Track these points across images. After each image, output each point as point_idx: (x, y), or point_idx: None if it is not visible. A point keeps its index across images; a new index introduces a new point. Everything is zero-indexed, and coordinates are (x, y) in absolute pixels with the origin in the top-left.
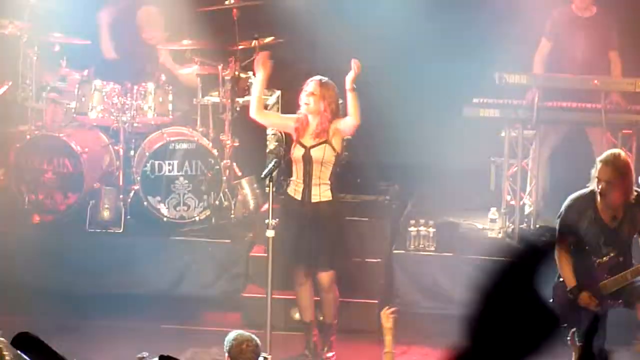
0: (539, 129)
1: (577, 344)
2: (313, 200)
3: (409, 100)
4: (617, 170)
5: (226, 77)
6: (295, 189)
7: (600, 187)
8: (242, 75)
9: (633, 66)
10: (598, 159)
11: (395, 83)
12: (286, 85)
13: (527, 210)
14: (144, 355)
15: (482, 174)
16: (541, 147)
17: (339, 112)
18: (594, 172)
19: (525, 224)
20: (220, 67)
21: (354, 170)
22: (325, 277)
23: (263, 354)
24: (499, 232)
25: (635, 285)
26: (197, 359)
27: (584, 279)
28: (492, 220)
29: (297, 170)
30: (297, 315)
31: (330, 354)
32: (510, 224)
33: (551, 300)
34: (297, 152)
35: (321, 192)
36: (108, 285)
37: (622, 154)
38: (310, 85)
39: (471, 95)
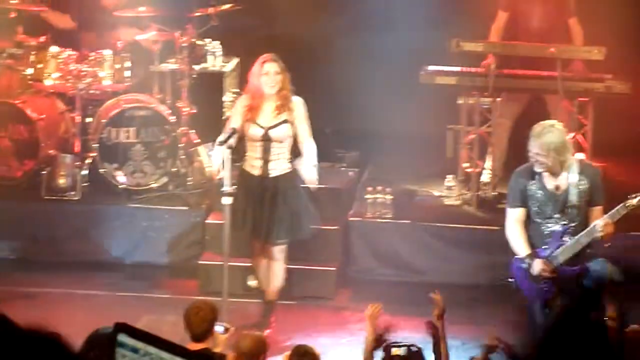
0: (495, 97)
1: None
2: (271, 175)
3: (367, 68)
4: (541, 143)
5: (183, 44)
6: (252, 165)
7: (530, 158)
8: (199, 42)
9: (592, 35)
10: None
11: (354, 50)
12: (244, 53)
13: (485, 178)
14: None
15: (440, 141)
16: (502, 118)
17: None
18: None
19: (482, 192)
20: (177, 34)
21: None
22: (278, 250)
23: (223, 324)
24: (456, 200)
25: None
26: (153, 327)
27: (539, 251)
28: (449, 188)
29: (254, 148)
30: (253, 283)
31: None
32: (467, 192)
33: (511, 280)
34: (254, 132)
35: (280, 166)
36: (64, 253)
37: (555, 125)
38: (270, 65)
39: (429, 63)
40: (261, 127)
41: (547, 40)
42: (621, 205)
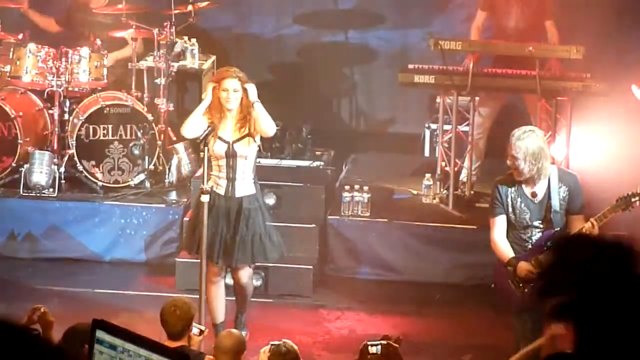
0: (474, 96)
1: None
2: (237, 195)
3: (345, 66)
4: (518, 148)
5: (161, 42)
6: (217, 184)
7: (508, 163)
8: (177, 39)
9: (568, 34)
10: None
11: (332, 49)
12: (221, 51)
13: (463, 177)
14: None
15: (417, 140)
16: (480, 117)
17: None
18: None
19: (459, 191)
20: (155, 32)
21: (289, 135)
22: (244, 273)
23: (198, 326)
24: (434, 198)
25: None
26: (130, 324)
27: (522, 256)
28: (427, 187)
29: (219, 165)
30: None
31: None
32: (445, 190)
33: (492, 286)
34: (218, 148)
35: (245, 186)
36: (41, 250)
37: (535, 131)
38: (231, 82)
39: (407, 61)
40: (225, 141)
41: (523, 40)
42: (607, 209)
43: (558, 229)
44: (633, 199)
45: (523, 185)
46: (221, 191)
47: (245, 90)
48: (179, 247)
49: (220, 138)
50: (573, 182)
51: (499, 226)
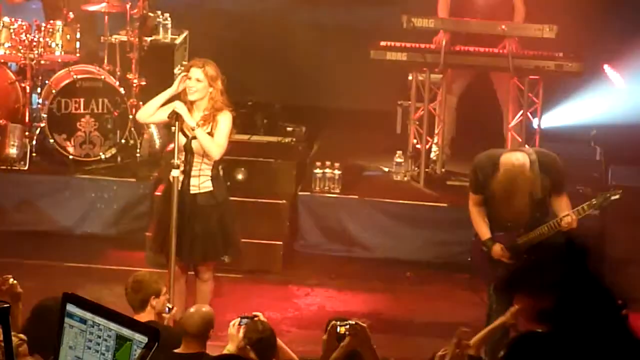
0: (445, 73)
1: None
2: (191, 192)
3: (317, 42)
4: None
5: (134, 16)
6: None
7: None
8: (150, 14)
9: (536, 12)
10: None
11: (304, 25)
12: (194, 26)
13: (433, 154)
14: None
15: (389, 117)
16: (448, 94)
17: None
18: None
19: (430, 168)
20: (128, 6)
21: (260, 111)
22: (204, 270)
23: (168, 305)
24: (405, 176)
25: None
26: (100, 298)
27: (500, 236)
28: (398, 164)
29: (180, 158)
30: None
31: None
32: (416, 168)
33: (469, 259)
34: (180, 139)
35: (200, 183)
36: (12, 223)
37: (520, 159)
38: (195, 71)
39: (379, 38)
40: (186, 135)
41: (492, 16)
42: (586, 204)
43: (538, 214)
44: (612, 197)
45: None
46: (178, 185)
47: (212, 86)
48: (150, 221)
49: (182, 130)
50: (554, 167)
51: (478, 202)
